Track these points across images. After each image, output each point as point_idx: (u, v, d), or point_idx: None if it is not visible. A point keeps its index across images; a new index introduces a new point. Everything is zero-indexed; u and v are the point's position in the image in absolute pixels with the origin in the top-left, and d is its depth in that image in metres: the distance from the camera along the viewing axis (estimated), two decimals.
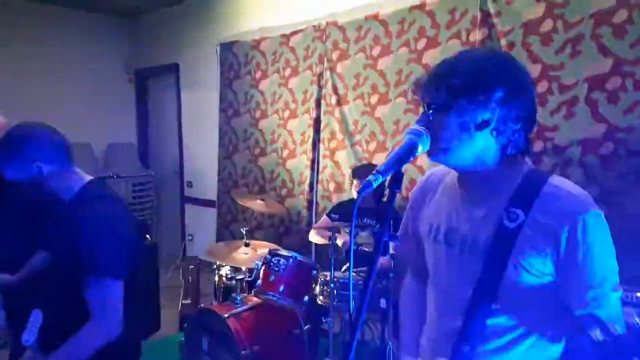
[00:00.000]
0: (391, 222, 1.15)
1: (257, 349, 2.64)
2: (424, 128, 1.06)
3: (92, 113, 5.52)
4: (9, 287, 2.00)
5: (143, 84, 6.05)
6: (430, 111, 1.07)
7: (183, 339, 2.96)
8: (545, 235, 1.02)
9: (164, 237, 5.78)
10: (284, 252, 2.82)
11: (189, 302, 3.90)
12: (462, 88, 1.03)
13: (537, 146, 3.06)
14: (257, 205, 3.34)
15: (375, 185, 0.95)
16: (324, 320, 2.84)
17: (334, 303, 2.83)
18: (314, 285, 2.92)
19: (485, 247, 1.08)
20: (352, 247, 1.09)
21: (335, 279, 2.83)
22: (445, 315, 1.19)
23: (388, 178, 0.99)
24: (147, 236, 3.80)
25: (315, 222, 4.30)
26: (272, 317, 2.84)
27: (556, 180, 1.08)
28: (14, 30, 5.05)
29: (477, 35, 3.24)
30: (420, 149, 1.05)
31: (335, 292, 2.81)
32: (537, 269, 1.04)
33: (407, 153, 1.02)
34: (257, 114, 4.78)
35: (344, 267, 3.00)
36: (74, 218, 1.53)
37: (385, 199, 1.02)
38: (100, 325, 1.46)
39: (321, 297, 2.95)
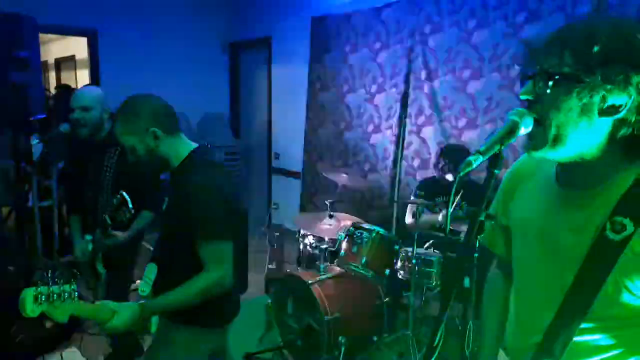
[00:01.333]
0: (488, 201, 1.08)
1: (339, 315, 2.74)
2: (526, 111, 0.91)
3: (188, 83, 5.81)
4: (121, 243, 2.23)
5: (236, 56, 6.28)
6: (546, 84, 0.88)
7: (270, 301, 3.15)
8: None
9: (251, 205, 6.07)
10: (367, 226, 2.88)
11: (274, 267, 4.10)
12: (599, 59, 0.84)
13: None
14: (341, 178, 3.41)
15: (474, 165, 0.87)
16: (404, 294, 2.89)
17: (416, 278, 2.86)
18: (395, 260, 2.95)
19: (580, 259, 0.93)
20: (448, 227, 1.06)
21: (417, 256, 2.85)
22: (528, 326, 1.07)
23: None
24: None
25: (398, 199, 4.31)
26: (354, 286, 2.92)
27: None
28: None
29: (584, 7, 3.03)
30: (522, 130, 0.90)
31: (417, 268, 2.83)
32: (635, 291, 0.89)
33: (508, 133, 0.89)
34: (345, 88, 4.81)
35: (426, 244, 3.00)
36: (182, 183, 1.67)
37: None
38: (215, 275, 1.58)
39: (402, 272, 2.99)
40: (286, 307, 3.00)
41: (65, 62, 8.31)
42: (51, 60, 8.63)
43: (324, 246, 3.08)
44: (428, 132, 4.11)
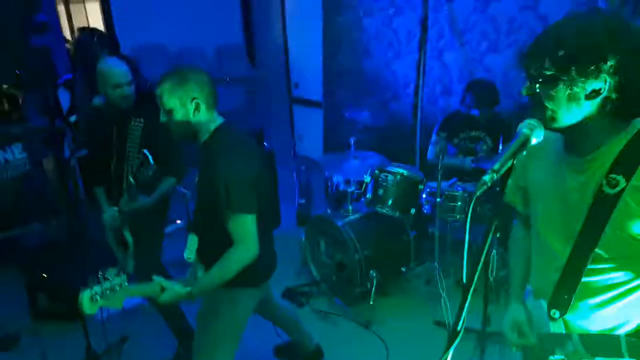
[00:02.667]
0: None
1: (368, 253, 2.95)
2: (538, 121, 1.08)
3: (200, 14, 5.68)
4: (146, 207, 2.32)
5: None
6: (537, 84, 1.07)
7: (303, 238, 3.37)
8: None
9: (274, 136, 6.16)
10: (391, 168, 2.98)
11: (304, 201, 4.29)
12: (569, 60, 1.01)
13: None
14: (363, 117, 3.45)
15: (489, 184, 1.00)
16: (429, 229, 3.06)
17: (440, 212, 3.01)
18: (419, 197, 3.08)
19: (586, 210, 1.12)
20: (467, 240, 1.12)
21: (441, 192, 2.97)
22: (547, 267, 1.26)
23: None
24: (265, 143, 4.12)
25: (421, 125, 4.34)
26: (382, 225, 3.10)
27: None
28: None
29: None
30: (534, 141, 1.07)
31: (440, 204, 2.97)
32: (637, 234, 1.07)
33: (520, 147, 1.06)
34: (361, 11, 4.65)
35: (450, 182, 3.10)
36: (210, 158, 1.76)
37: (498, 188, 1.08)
38: (241, 251, 1.74)
39: (427, 206, 3.14)
40: (319, 245, 3.22)
41: None
42: None
43: (350, 189, 3.22)
44: (449, 56, 4.03)
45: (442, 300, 2.83)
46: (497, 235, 2.54)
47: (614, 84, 1.02)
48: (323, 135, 5.41)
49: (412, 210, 2.99)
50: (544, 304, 1.26)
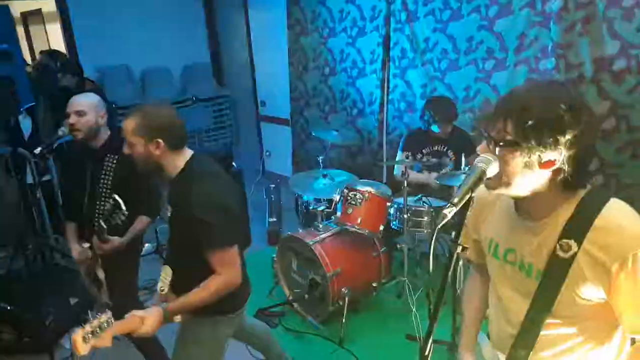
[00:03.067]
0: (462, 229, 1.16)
1: (340, 270, 2.99)
2: (492, 156, 1.10)
3: (165, 35, 5.69)
4: (119, 247, 2.27)
5: (210, 2, 6.08)
6: (496, 147, 1.09)
7: (274, 256, 3.39)
8: (598, 268, 1.07)
9: (243, 154, 6.18)
10: (360, 187, 3.04)
11: (275, 219, 4.32)
12: (532, 129, 1.04)
13: (619, 64, 2.96)
14: (331, 136, 3.52)
15: (449, 216, 1.04)
16: (398, 245, 3.13)
17: (408, 228, 3.09)
18: (387, 214, 3.16)
19: (540, 273, 1.16)
20: (432, 254, 1.18)
21: (408, 208, 3.06)
22: (504, 321, 1.30)
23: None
24: (233, 163, 4.14)
25: (387, 141, 4.45)
26: (352, 242, 3.15)
27: (610, 209, 1.09)
28: None
29: None
30: (489, 174, 1.10)
31: (408, 219, 3.05)
32: (590, 295, 1.11)
33: (477, 181, 1.08)
34: (326, 32, 4.75)
35: (416, 198, 3.19)
36: (183, 195, 1.76)
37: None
38: (224, 281, 1.76)
39: (395, 222, 3.21)
40: (291, 264, 3.25)
41: (33, 16, 7.95)
42: (17, 14, 8.24)
43: (321, 208, 3.27)
44: (412, 74, 4.16)
45: (413, 314, 2.90)
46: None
47: (567, 157, 1.06)
48: (292, 152, 5.46)
49: (381, 227, 3.06)
50: (501, 358, 1.31)
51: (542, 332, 1.20)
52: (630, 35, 2.90)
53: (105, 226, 2.11)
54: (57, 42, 6.23)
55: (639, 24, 2.86)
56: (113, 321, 1.56)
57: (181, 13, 5.89)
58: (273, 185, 4.53)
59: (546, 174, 1.09)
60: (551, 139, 1.04)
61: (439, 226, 1.06)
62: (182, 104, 5.65)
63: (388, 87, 4.39)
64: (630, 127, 3.02)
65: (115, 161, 2.29)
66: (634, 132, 3.01)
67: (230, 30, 6.03)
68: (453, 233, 1.16)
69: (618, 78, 3.01)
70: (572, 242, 1.09)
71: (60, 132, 2.42)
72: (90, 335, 1.47)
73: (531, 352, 1.22)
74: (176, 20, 5.82)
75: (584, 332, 1.20)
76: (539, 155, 1.06)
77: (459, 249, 1.13)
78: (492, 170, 1.10)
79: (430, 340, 1.18)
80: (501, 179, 1.11)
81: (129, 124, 1.78)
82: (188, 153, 1.86)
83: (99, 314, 1.53)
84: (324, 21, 4.73)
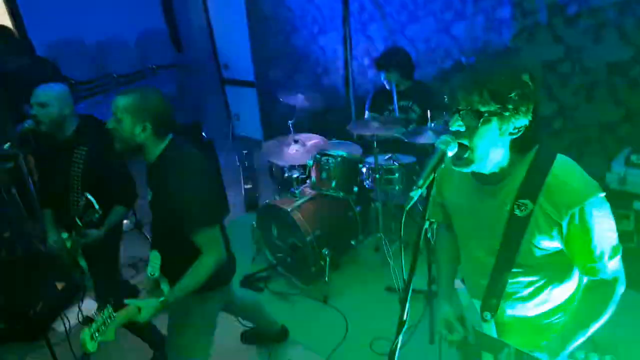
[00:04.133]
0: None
1: (319, 233, 3.11)
2: (451, 137, 1.18)
3: (118, 3, 5.45)
4: (97, 239, 2.29)
5: None
6: (474, 119, 1.16)
7: (254, 223, 3.47)
8: (551, 222, 1.21)
9: (210, 120, 6.12)
10: (331, 152, 3.11)
11: (250, 186, 4.37)
12: (510, 98, 1.14)
13: (572, 8, 3.04)
14: (297, 100, 3.53)
15: (415, 198, 1.11)
16: (372, 204, 3.26)
17: (380, 187, 3.21)
18: (360, 175, 3.26)
19: (501, 230, 1.29)
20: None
21: (379, 167, 3.16)
22: (474, 273, 1.47)
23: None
24: (203, 133, 4.11)
25: (354, 97, 4.49)
26: (328, 205, 3.25)
27: (558, 167, 1.21)
28: None
29: None
30: (449, 154, 1.18)
31: (380, 178, 3.16)
32: (546, 245, 1.26)
33: (439, 162, 1.14)
34: None
35: (387, 156, 3.28)
36: (163, 179, 1.82)
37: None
38: (210, 259, 1.83)
39: (368, 181, 3.32)
40: (271, 230, 3.35)
41: None
42: None
43: (295, 175, 3.34)
44: (373, 29, 4.15)
45: (391, 267, 3.07)
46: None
47: (530, 121, 1.18)
48: (260, 117, 5.45)
49: (355, 189, 3.16)
50: (477, 305, 1.45)
51: (509, 281, 1.36)
52: None
53: (80, 223, 2.13)
54: (1, 17, 5.88)
55: None
56: (115, 315, 1.64)
57: None
58: (245, 152, 4.54)
59: (507, 141, 1.21)
60: (524, 107, 1.16)
61: (407, 208, 1.13)
62: (142, 73, 5.51)
63: (351, 44, 4.38)
64: (584, 68, 3.14)
65: (84, 153, 2.26)
66: (588, 74, 3.13)
67: None
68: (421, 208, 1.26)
69: (571, 22, 3.10)
70: (527, 202, 1.23)
71: (26, 125, 2.37)
72: (96, 334, 1.55)
73: (501, 299, 1.38)
74: None
75: (545, 276, 1.35)
76: (513, 122, 1.17)
77: (427, 224, 1.23)
78: (451, 148, 1.18)
79: (409, 292, 1.28)
80: (474, 154, 1.20)
81: (122, 101, 1.80)
82: (167, 138, 1.89)
83: (100, 310, 1.60)
84: None
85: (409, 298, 1.23)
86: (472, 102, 1.17)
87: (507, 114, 1.16)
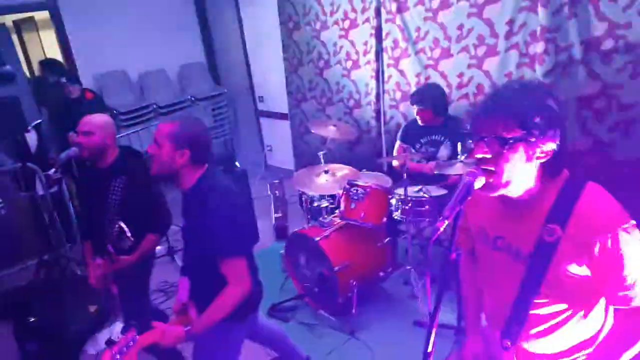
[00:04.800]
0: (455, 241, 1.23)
1: (347, 262, 3.10)
2: (479, 168, 1.19)
3: (158, 36, 5.73)
4: (129, 265, 2.38)
5: (201, 1, 6.10)
6: (501, 146, 1.16)
7: (283, 251, 3.50)
8: (581, 249, 1.18)
9: (244, 150, 6.27)
10: (361, 182, 3.13)
11: (280, 215, 4.42)
12: (535, 123, 1.14)
13: (607, 44, 3.02)
14: (329, 131, 3.59)
15: (441, 229, 1.12)
16: (402, 236, 3.23)
17: (410, 218, 3.19)
18: (389, 205, 3.26)
19: (528, 256, 1.27)
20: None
21: (409, 198, 3.15)
22: (496, 304, 1.43)
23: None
24: (237, 163, 4.23)
25: (385, 130, 4.54)
26: (357, 235, 3.25)
27: (589, 194, 1.20)
28: None
29: None
30: (476, 186, 1.18)
31: (410, 209, 3.15)
32: (574, 273, 1.22)
33: (465, 194, 1.16)
34: (318, 25, 4.80)
35: (417, 188, 3.28)
36: (196, 206, 1.88)
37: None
38: (236, 291, 1.86)
39: (397, 213, 3.31)
40: (299, 259, 3.36)
41: (25, 24, 7.97)
42: (9, 23, 8.25)
43: (324, 204, 3.37)
44: (405, 64, 4.21)
45: (419, 300, 3.02)
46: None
47: (557, 147, 1.18)
48: (293, 147, 5.55)
49: (384, 219, 3.15)
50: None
51: (532, 311, 1.32)
52: (616, 16, 2.95)
53: (112, 250, 2.21)
54: (53, 50, 6.26)
55: (624, 4, 2.91)
56: (137, 338, 1.67)
57: (172, 13, 5.91)
58: (277, 181, 4.62)
59: (537, 166, 1.20)
60: (551, 131, 1.16)
61: (434, 239, 1.15)
62: (181, 104, 5.73)
63: (383, 78, 4.45)
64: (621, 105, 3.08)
65: (122, 183, 2.34)
66: (627, 110, 3.07)
67: (223, 28, 6.06)
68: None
69: (607, 58, 3.07)
70: (556, 227, 1.20)
71: (71, 152, 2.50)
72: (118, 356, 1.59)
73: (523, 327, 1.34)
74: (168, 21, 5.84)
75: (570, 307, 1.31)
76: (540, 147, 1.17)
77: (454, 255, 1.23)
78: (479, 183, 1.19)
79: (434, 329, 1.27)
80: (502, 179, 1.19)
81: (166, 127, 1.88)
82: (203, 168, 1.95)
83: (124, 333, 1.64)
84: (315, 15, 4.78)
85: (434, 329, 1.22)
86: (496, 129, 1.17)
87: (533, 139, 1.16)
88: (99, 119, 2.40)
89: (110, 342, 1.61)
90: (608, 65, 3.07)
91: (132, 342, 1.65)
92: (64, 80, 4.30)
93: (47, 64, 6.22)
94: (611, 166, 3.20)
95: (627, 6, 2.88)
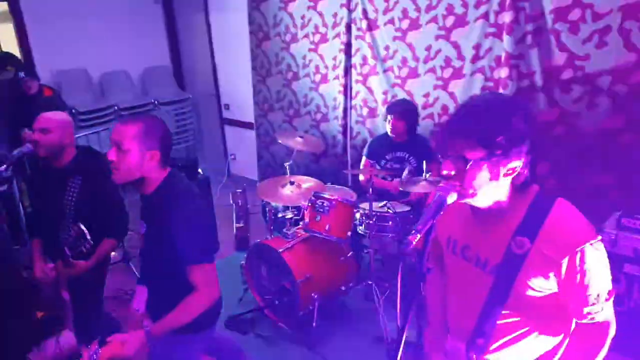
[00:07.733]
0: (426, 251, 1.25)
1: (309, 275, 3.07)
2: (450, 184, 1.21)
3: (124, 37, 5.59)
4: (85, 271, 2.29)
5: (169, 4, 6.01)
6: (464, 164, 1.18)
7: (243, 262, 3.43)
8: (549, 263, 1.20)
9: (207, 157, 6.16)
10: (327, 195, 3.13)
11: (242, 225, 4.35)
12: (497, 143, 1.15)
13: (567, 74, 3.16)
14: (296, 143, 3.59)
15: (414, 242, 1.14)
16: (365, 251, 3.24)
17: (373, 233, 3.21)
18: (354, 219, 3.27)
19: (496, 267, 1.28)
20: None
21: (374, 213, 3.17)
22: (461, 314, 1.43)
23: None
24: (199, 170, 4.14)
25: (351, 145, 4.57)
26: (320, 248, 3.23)
27: (559, 210, 1.23)
28: None
29: None
30: (448, 202, 1.21)
31: (374, 224, 3.17)
32: (541, 287, 1.24)
33: (438, 209, 1.18)
34: (288, 37, 4.81)
35: (381, 204, 3.31)
36: (160, 212, 1.78)
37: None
38: (204, 297, 1.80)
39: (361, 227, 3.32)
40: (260, 271, 3.31)
41: None
42: None
43: (289, 215, 3.34)
44: (373, 81, 4.27)
45: (380, 316, 3.03)
46: None
47: (526, 162, 1.21)
48: (257, 157, 5.49)
49: (349, 233, 3.16)
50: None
51: (497, 322, 1.33)
52: (576, 47, 3.10)
53: (69, 253, 2.11)
54: (10, 44, 5.98)
55: (584, 37, 3.06)
56: (99, 351, 1.59)
57: (139, 14, 5.79)
58: (240, 190, 4.56)
59: (507, 180, 1.23)
60: (515, 149, 1.17)
61: (406, 251, 1.15)
62: (143, 107, 5.58)
63: (350, 93, 4.49)
64: (577, 133, 3.23)
65: (79, 182, 2.26)
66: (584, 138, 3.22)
67: (191, 32, 5.98)
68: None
69: (566, 87, 3.22)
70: (525, 240, 1.22)
71: (25, 149, 2.38)
72: None
73: (489, 340, 1.35)
74: (134, 21, 5.71)
75: (533, 320, 1.33)
76: (506, 165, 1.19)
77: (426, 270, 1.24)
78: (451, 198, 1.21)
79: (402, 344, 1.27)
80: (468, 191, 1.21)
81: (129, 129, 1.72)
82: (167, 170, 1.87)
83: (87, 346, 1.56)
84: (286, 26, 4.79)
85: (401, 344, 1.22)
86: (460, 148, 1.19)
87: (495, 159, 1.17)
88: (57, 116, 2.31)
89: (74, 357, 1.52)
90: (567, 94, 3.22)
91: (95, 356, 1.56)
92: (22, 74, 4.10)
93: (3, 57, 5.92)
94: (567, 192, 3.34)
95: (587, 39, 3.04)
